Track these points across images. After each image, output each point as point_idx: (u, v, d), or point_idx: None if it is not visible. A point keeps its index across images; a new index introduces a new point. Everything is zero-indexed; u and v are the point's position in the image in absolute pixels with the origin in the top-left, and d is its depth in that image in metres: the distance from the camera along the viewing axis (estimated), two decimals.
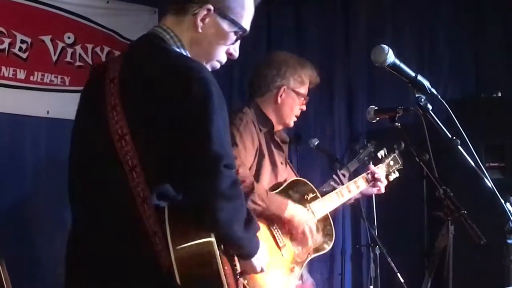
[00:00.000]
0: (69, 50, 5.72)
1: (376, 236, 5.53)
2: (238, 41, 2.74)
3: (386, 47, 2.91)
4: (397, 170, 4.63)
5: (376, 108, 3.39)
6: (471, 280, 5.11)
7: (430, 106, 2.94)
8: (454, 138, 2.92)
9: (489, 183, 2.92)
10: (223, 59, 2.74)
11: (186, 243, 2.35)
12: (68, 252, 2.62)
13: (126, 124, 2.46)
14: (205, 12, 2.62)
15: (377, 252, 5.56)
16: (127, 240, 2.42)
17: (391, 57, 2.91)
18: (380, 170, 4.48)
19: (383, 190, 4.46)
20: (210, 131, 2.37)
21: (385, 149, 4.61)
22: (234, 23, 2.67)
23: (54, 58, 5.64)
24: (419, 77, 2.96)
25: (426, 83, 2.95)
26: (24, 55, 5.46)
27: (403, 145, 4.31)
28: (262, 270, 2.78)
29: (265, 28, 6.75)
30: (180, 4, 2.66)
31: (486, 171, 2.98)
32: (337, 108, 6.95)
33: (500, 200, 2.93)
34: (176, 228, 2.35)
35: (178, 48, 2.63)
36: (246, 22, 2.72)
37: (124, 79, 2.54)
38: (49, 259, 5.50)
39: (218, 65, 2.74)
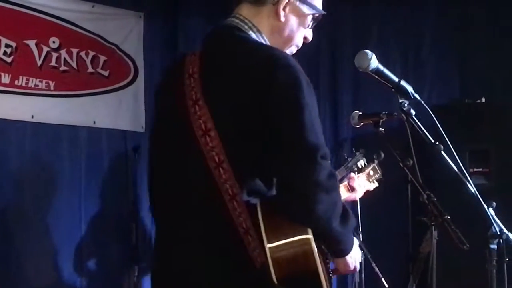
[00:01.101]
0: (54, 55, 5.70)
1: (360, 241, 5.53)
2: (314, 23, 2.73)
3: (369, 52, 2.90)
4: (376, 180, 4.63)
5: (360, 113, 3.38)
6: (455, 285, 5.12)
7: (413, 112, 2.93)
8: (437, 143, 2.92)
9: (472, 188, 2.92)
10: (300, 43, 2.73)
11: (282, 240, 2.24)
12: (157, 257, 2.57)
13: (210, 118, 2.38)
14: (286, 1, 2.60)
15: (362, 257, 5.56)
16: (217, 239, 2.35)
17: (374, 62, 2.90)
18: (360, 180, 4.48)
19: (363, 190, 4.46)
20: (304, 120, 2.29)
21: (364, 158, 4.61)
22: (312, 6, 2.67)
23: (39, 62, 5.62)
24: (403, 83, 2.95)
25: (410, 89, 2.95)
26: (9, 59, 5.44)
27: (382, 155, 4.31)
28: (355, 269, 2.66)
29: None
30: None
31: (470, 176, 2.99)
32: (322, 114, 6.93)
33: (483, 205, 2.93)
34: (270, 224, 2.24)
35: (258, 37, 2.58)
36: (319, 3, 2.73)
37: (205, 72, 2.48)
38: (34, 264, 5.48)
39: (295, 50, 2.72)
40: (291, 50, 2.71)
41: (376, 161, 4.57)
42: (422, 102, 2.98)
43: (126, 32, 6.18)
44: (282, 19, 2.61)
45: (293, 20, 2.65)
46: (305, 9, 2.66)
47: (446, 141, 2.96)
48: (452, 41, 6.99)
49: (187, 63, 2.55)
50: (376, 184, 4.62)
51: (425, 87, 6.83)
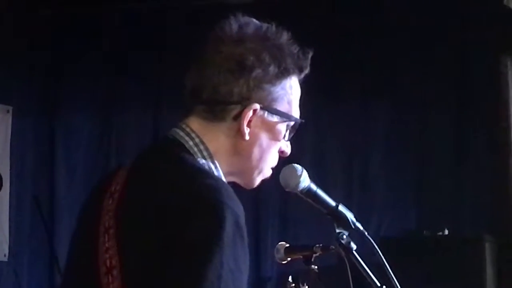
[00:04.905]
0: None
1: None
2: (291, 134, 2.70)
3: (299, 167, 2.91)
4: None
5: (287, 245, 3.39)
6: None
7: (354, 246, 2.94)
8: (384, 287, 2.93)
9: None
10: (276, 161, 2.70)
11: None
12: None
13: (117, 254, 2.44)
14: (251, 114, 2.58)
15: None
16: None
17: (305, 181, 2.91)
18: None
19: None
20: (202, 272, 2.31)
21: None
22: (284, 115, 2.65)
23: None
24: (341, 208, 2.96)
25: (350, 216, 2.96)
26: None
27: None
28: None
29: None
30: (214, 105, 2.59)
31: None
32: None
33: None
34: None
35: (205, 158, 2.57)
36: (296, 109, 2.70)
37: (125, 194, 2.52)
38: None
39: (270, 172, 2.71)
40: (265, 174, 2.70)
41: None
42: (366, 233, 2.99)
43: None
44: (247, 137, 2.60)
45: (262, 136, 2.64)
46: (276, 120, 2.64)
47: (396, 285, 2.96)
48: (408, 154, 7.12)
49: (115, 178, 2.59)
50: None
51: (373, 214, 6.90)
